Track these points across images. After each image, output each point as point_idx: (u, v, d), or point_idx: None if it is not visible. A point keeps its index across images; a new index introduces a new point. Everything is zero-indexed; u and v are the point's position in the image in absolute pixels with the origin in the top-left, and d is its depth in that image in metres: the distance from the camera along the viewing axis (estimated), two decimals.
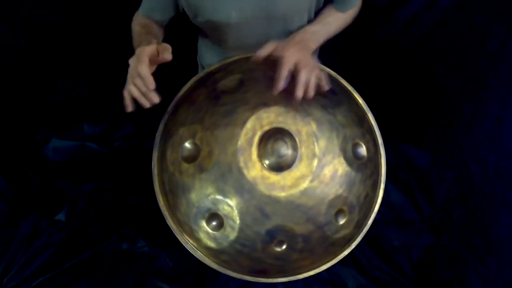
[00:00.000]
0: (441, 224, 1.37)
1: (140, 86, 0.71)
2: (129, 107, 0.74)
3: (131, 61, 0.74)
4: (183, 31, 1.06)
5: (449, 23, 1.23)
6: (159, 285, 1.24)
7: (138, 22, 0.95)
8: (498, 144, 1.24)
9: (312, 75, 0.78)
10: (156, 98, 0.72)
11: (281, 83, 0.76)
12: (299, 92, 0.76)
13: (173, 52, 0.98)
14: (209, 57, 1.09)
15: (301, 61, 0.78)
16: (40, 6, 1.22)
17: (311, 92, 0.78)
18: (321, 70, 0.96)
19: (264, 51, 0.79)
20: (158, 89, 0.86)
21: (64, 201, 1.42)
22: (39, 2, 1.22)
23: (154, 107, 0.82)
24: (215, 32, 0.96)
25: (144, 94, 0.72)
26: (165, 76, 0.91)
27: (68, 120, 1.57)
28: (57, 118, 1.55)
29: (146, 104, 0.73)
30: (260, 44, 0.95)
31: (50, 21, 1.26)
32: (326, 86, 0.81)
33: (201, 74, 0.93)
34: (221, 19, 0.88)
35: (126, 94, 0.73)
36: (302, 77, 0.76)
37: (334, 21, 0.96)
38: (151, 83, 0.70)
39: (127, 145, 1.60)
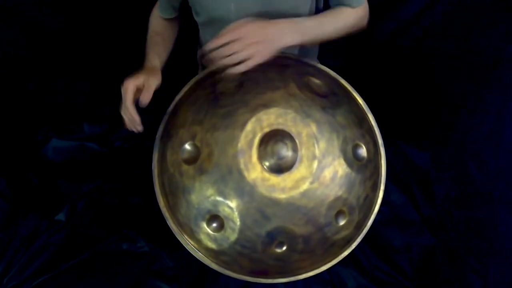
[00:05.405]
0: (441, 224, 1.37)
1: (129, 118, 0.82)
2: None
3: (123, 91, 0.82)
4: (183, 31, 1.06)
5: (449, 23, 1.23)
6: (159, 285, 1.24)
7: (155, 24, 0.99)
8: (498, 144, 1.24)
9: (245, 54, 0.71)
10: (140, 128, 0.82)
11: (210, 45, 0.72)
12: (208, 61, 0.75)
13: (173, 52, 0.99)
14: None
15: (249, 38, 0.70)
16: (40, 6, 1.22)
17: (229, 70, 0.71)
18: (321, 70, 0.96)
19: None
20: (158, 90, 0.87)
21: (64, 201, 1.42)
22: (39, 2, 1.21)
23: (154, 107, 0.83)
24: (216, 31, 0.96)
25: (131, 123, 0.82)
26: (165, 77, 0.91)
27: (68, 120, 1.57)
28: (57, 118, 1.55)
29: (134, 130, 0.84)
30: None
31: (50, 21, 1.26)
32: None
33: (200, 75, 0.93)
34: (221, 14, 0.88)
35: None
36: (231, 49, 0.70)
37: (333, 20, 0.87)
38: (136, 120, 0.81)
39: (127, 145, 1.60)
